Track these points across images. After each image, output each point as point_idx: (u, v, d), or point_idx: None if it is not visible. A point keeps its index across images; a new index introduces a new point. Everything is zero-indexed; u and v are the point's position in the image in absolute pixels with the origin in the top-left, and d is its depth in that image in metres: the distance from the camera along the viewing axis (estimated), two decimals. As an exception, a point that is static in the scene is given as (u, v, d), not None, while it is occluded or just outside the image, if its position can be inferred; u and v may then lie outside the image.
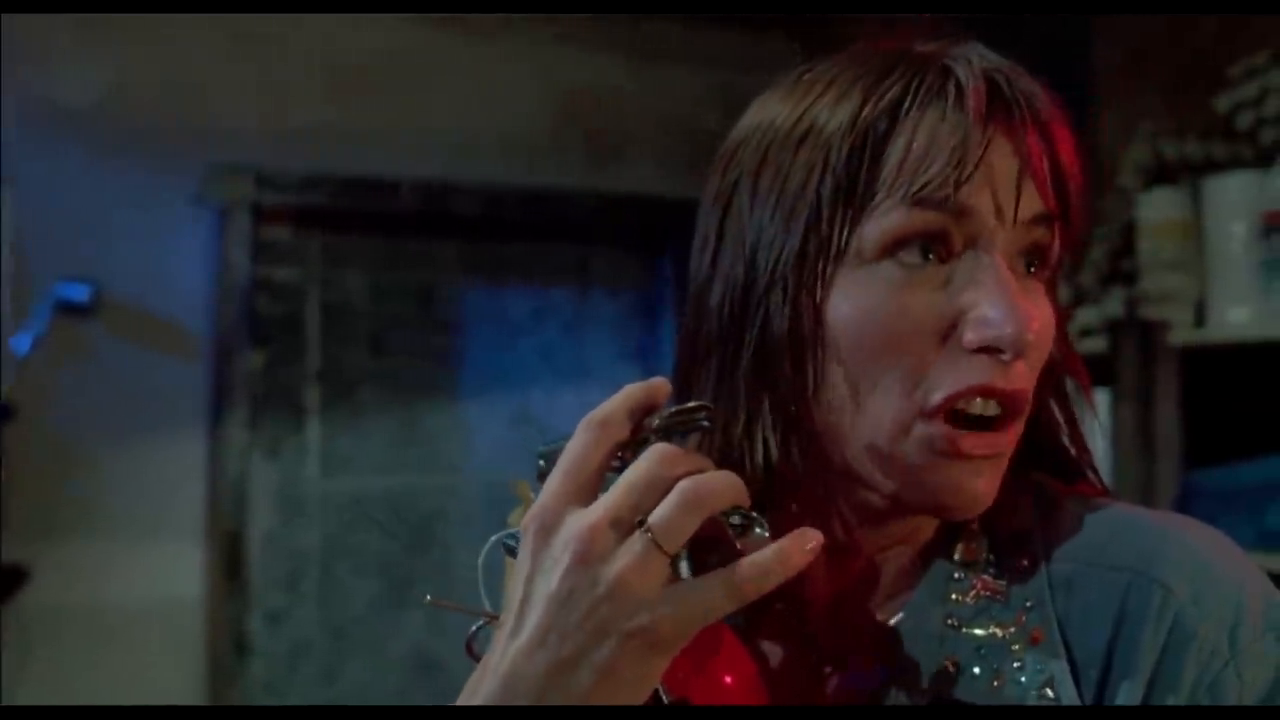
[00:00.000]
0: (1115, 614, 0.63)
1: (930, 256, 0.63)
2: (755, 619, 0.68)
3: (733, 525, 0.58)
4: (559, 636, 0.56)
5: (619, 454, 0.60)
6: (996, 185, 0.62)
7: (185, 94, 2.70)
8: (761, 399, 0.65)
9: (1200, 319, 1.96)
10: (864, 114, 0.63)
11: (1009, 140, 0.63)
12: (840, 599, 0.68)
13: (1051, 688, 0.62)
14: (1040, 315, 0.63)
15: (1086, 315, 2.10)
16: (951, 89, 0.63)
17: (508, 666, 0.57)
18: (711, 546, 0.58)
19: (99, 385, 2.61)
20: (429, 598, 0.69)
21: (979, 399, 0.62)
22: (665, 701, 0.60)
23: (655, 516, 0.56)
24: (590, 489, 0.59)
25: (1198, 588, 0.62)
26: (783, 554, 0.57)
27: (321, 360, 2.91)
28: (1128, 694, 0.61)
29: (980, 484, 0.63)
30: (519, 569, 0.59)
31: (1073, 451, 0.71)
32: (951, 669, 0.64)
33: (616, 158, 3.08)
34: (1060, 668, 0.62)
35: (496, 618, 0.62)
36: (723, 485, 0.58)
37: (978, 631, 0.65)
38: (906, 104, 0.63)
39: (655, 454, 0.58)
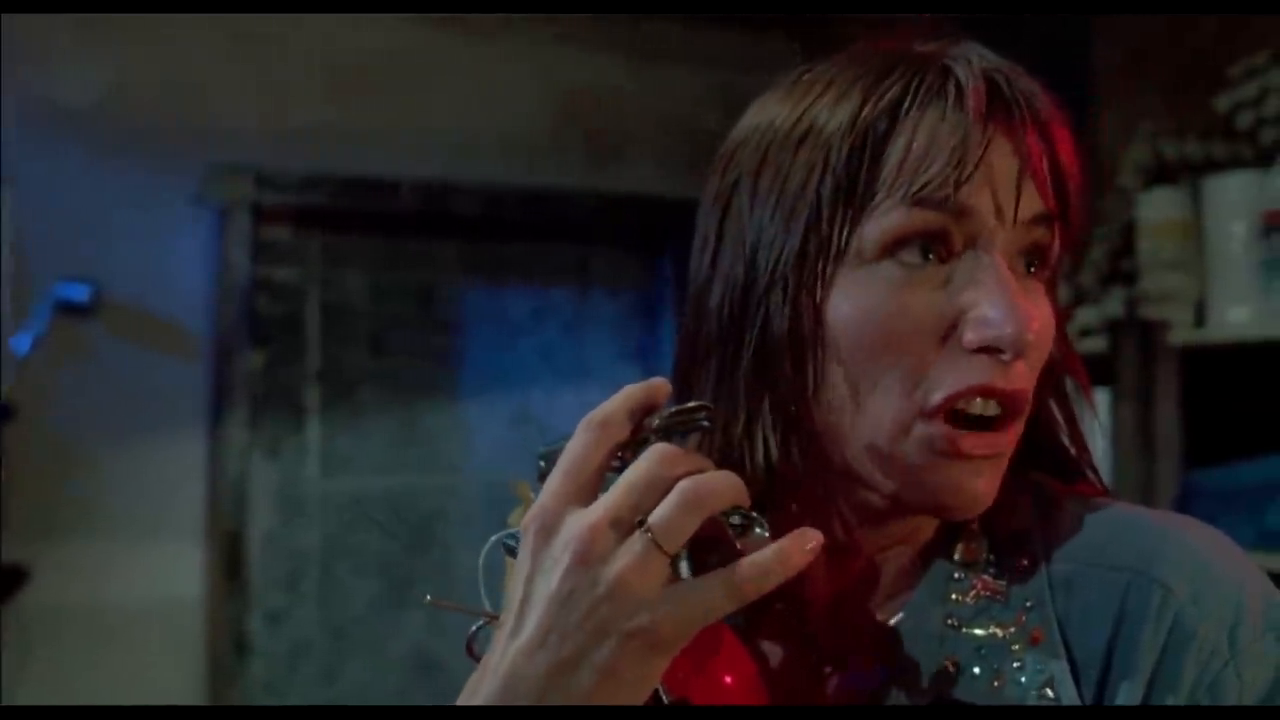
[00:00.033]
0: (1115, 614, 0.63)
1: (930, 256, 0.63)
2: (755, 619, 0.68)
3: (733, 525, 0.58)
4: (559, 637, 0.56)
5: (619, 454, 0.60)
6: (996, 185, 0.62)
7: (185, 94, 2.70)
8: (761, 399, 0.65)
9: (1200, 319, 1.96)
10: (864, 114, 0.63)
11: (1009, 140, 0.63)
12: (840, 599, 0.68)
13: (1051, 688, 0.62)
14: (1040, 315, 0.63)
15: (1086, 315, 2.10)
16: (951, 89, 0.63)
17: (508, 667, 0.57)
18: (711, 546, 0.58)
19: (99, 385, 2.61)
20: (429, 598, 0.69)
21: (979, 399, 0.62)
22: (665, 701, 0.60)
23: (655, 516, 0.56)
24: (590, 489, 0.59)
25: (1197, 587, 0.62)
26: (783, 554, 0.57)
27: (321, 360, 2.91)
28: (1128, 694, 0.61)
29: (980, 484, 0.63)
30: (519, 569, 0.59)
31: (1072, 451, 0.71)
32: (951, 669, 0.64)
33: (616, 158, 3.08)
34: (1060, 668, 0.62)
35: (497, 618, 0.62)
36: (723, 485, 0.58)
37: (978, 631, 0.65)
38: (906, 104, 0.63)
39: (655, 454, 0.58)
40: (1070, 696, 0.62)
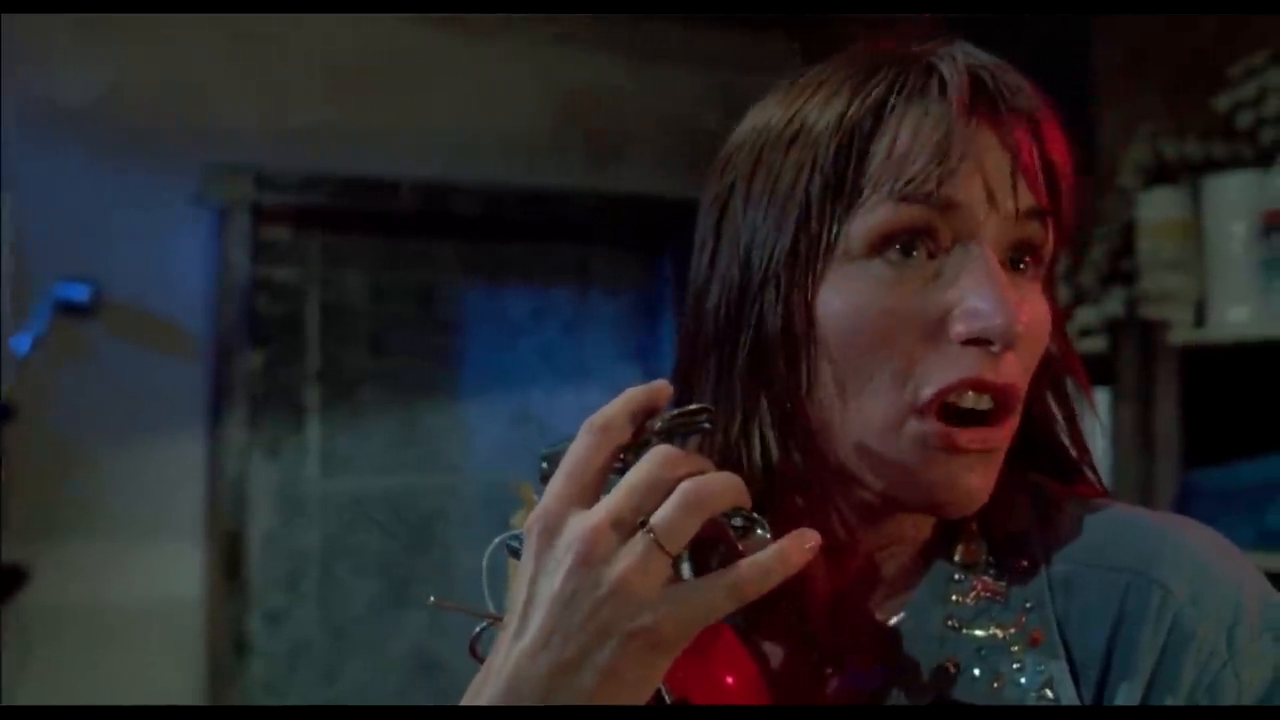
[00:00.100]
0: (1114, 614, 0.63)
1: (918, 252, 0.63)
2: (756, 619, 0.68)
3: (734, 527, 0.58)
4: (562, 638, 0.57)
5: (621, 456, 0.60)
6: (985, 178, 0.63)
7: (185, 94, 2.70)
8: (758, 398, 0.66)
9: (1200, 319, 1.97)
10: (850, 113, 0.64)
11: (994, 133, 0.63)
12: (840, 599, 0.69)
13: (1051, 688, 0.62)
14: (1031, 309, 0.64)
15: (1086, 315, 2.10)
16: (935, 85, 0.64)
17: (511, 668, 0.58)
18: (713, 548, 0.59)
19: (99, 385, 2.61)
20: (433, 599, 0.69)
21: (970, 393, 0.62)
22: (667, 701, 0.60)
23: (657, 518, 0.57)
24: (593, 491, 0.59)
25: (1196, 588, 0.62)
26: (782, 554, 0.58)
27: (321, 360, 2.91)
28: (1127, 694, 0.61)
29: (974, 480, 0.63)
30: (522, 570, 0.59)
31: (1072, 451, 0.71)
32: (952, 670, 0.64)
33: (616, 158, 3.08)
34: (1060, 668, 0.62)
35: (500, 619, 0.62)
36: (723, 486, 0.58)
37: (978, 632, 0.65)
38: (891, 101, 0.64)
39: (657, 456, 0.58)
40: (1070, 697, 0.62)
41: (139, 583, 2.65)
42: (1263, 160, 1.93)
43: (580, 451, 0.60)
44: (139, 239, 2.66)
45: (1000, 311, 0.61)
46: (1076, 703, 0.62)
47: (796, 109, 0.66)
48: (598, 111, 3.07)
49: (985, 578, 0.66)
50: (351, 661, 2.90)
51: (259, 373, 2.82)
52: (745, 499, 0.59)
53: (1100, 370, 2.02)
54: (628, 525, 0.57)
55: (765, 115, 0.68)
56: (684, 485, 0.57)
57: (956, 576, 0.67)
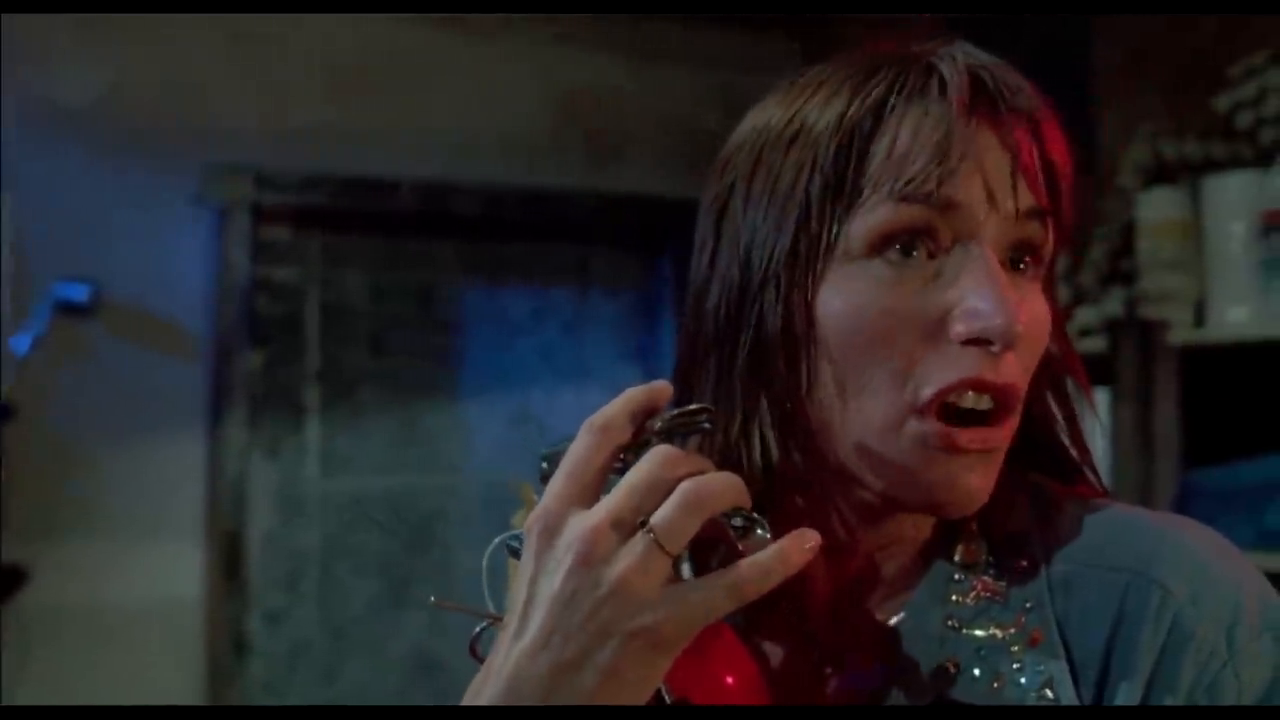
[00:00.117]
0: (1114, 614, 0.63)
1: (918, 252, 0.63)
2: (756, 619, 0.68)
3: (734, 527, 0.58)
4: (562, 638, 0.57)
5: (621, 456, 0.60)
6: (985, 178, 0.63)
7: (185, 94, 2.70)
8: (758, 398, 0.66)
9: (1199, 319, 1.97)
10: (850, 113, 0.64)
11: (994, 133, 0.63)
12: (840, 599, 0.69)
13: (1051, 688, 0.62)
14: (1031, 309, 0.64)
15: (1086, 315, 2.10)
16: (935, 85, 0.64)
17: (512, 668, 0.58)
18: (713, 548, 0.59)
19: (99, 385, 2.61)
20: (433, 599, 0.69)
21: (970, 393, 0.62)
22: (668, 701, 0.60)
23: (657, 517, 0.57)
24: (593, 491, 0.59)
25: (1196, 588, 0.62)
26: (782, 554, 0.58)
27: (321, 360, 2.91)
28: (1126, 694, 0.61)
29: (974, 480, 0.63)
30: (522, 570, 0.59)
31: (1073, 452, 0.71)
32: (952, 670, 0.64)
33: (616, 158, 3.08)
34: (1059, 668, 0.62)
35: (500, 619, 0.62)
36: (723, 486, 0.58)
37: (978, 633, 0.65)
38: (891, 101, 0.64)
39: (657, 456, 0.58)
40: (1069, 697, 0.62)
41: (139, 583, 2.65)
42: (1262, 160, 1.94)
43: (580, 451, 0.60)
44: (139, 239, 2.66)
45: (1000, 312, 0.61)
46: (1076, 702, 0.62)
47: (796, 109, 0.66)
48: (598, 111, 3.07)
49: (985, 578, 0.66)
50: (351, 661, 2.90)
51: (259, 373, 2.82)
52: (745, 499, 0.59)
53: (1100, 370, 2.02)
54: (628, 525, 0.57)
55: (765, 115, 0.68)
56: (684, 485, 0.57)
57: (956, 577, 0.67)
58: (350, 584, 2.90)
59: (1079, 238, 2.11)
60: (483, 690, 0.59)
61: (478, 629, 0.65)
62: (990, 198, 0.63)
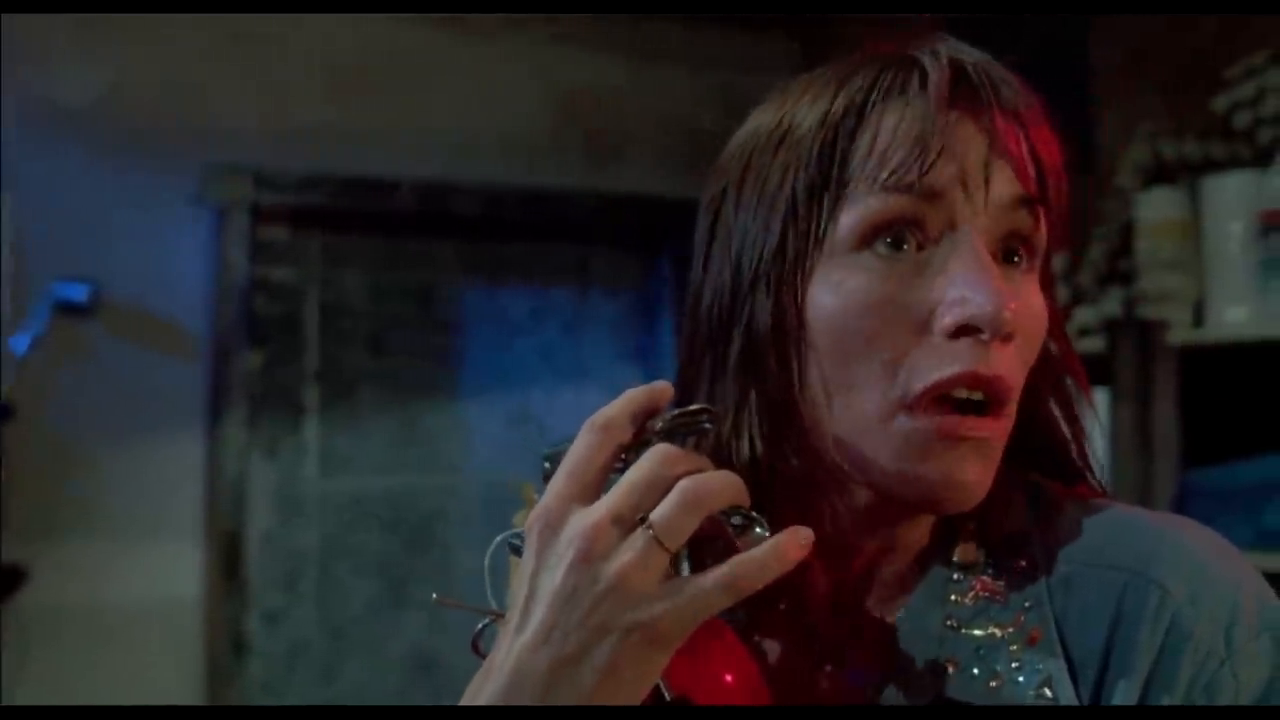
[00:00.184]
0: (1113, 614, 0.63)
1: (908, 245, 0.63)
2: (756, 617, 0.68)
3: (733, 525, 0.59)
4: (562, 633, 0.57)
5: (622, 455, 0.61)
6: (967, 168, 0.63)
7: (185, 94, 2.70)
8: (749, 395, 0.66)
9: (1198, 319, 1.97)
10: (833, 111, 0.65)
11: (975, 124, 0.63)
12: (840, 597, 0.69)
13: (1049, 687, 0.62)
14: (1024, 301, 0.64)
15: (1084, 315, 2.10)
16: (916, 80, 0.64)
17: (513, 663, 0.58)
18: (711, 545, 0.59)
19: (98, 385, 2.61)
20: (436, 596, 0.69)
21: (964, 390, 0.62)
22: (667, 699, 0.60)
23: (657, 515, 0.57)
24: (593, 489, 0.59)
25: (1194, 588, 0.62)
26: (778, 549, 0.58)
27: (320, 360, 2.91)
28: (1125, 693, 0.61)
29: (970, 473, 0.63)
30: (523, 567, 0.60)
31: (1073, 452, 0.71)
32: (951, 669, 0.64)
33: (616, 158, 3.08)
34: (1058, 667, 0.62)
35: (502, 615, 0.63)
36: (722, 484, 0.59)
37: (976, 632, 0.65)
38: (873, 97, 0.64)
39: (656, 454, 0.59)
40: (1068, 696, 0.62)
41: (138, 583, 2.65)
42: (1261, 160, 1.94)
43: (581, 450, 0.60)
44: (138, 239, 2.66)
45: (987, 298, 0.60)
46: (1074, 702, 0.62)
47: (784, 112, 0.67)
48: (598, 111, 3.07)
49: (984, 577, 0.66)
50: (350, 661, 2.90)
51: (258, 373, 2.82)
52: (744, 497, 0.59)
53: (1099, 370, 2.02)
54: (628, 522, 0.57)
55: (757, 120, 0.70)
56: (683, 483, 0.58)
57: (955, 576, 0.67)
58: (349, 584, 2.90)
59: (1077, 237, 2.12)
60: (484, 686, 0.59)
61: (480, 626, 0.65)
62: (972, 186, 0.63)
